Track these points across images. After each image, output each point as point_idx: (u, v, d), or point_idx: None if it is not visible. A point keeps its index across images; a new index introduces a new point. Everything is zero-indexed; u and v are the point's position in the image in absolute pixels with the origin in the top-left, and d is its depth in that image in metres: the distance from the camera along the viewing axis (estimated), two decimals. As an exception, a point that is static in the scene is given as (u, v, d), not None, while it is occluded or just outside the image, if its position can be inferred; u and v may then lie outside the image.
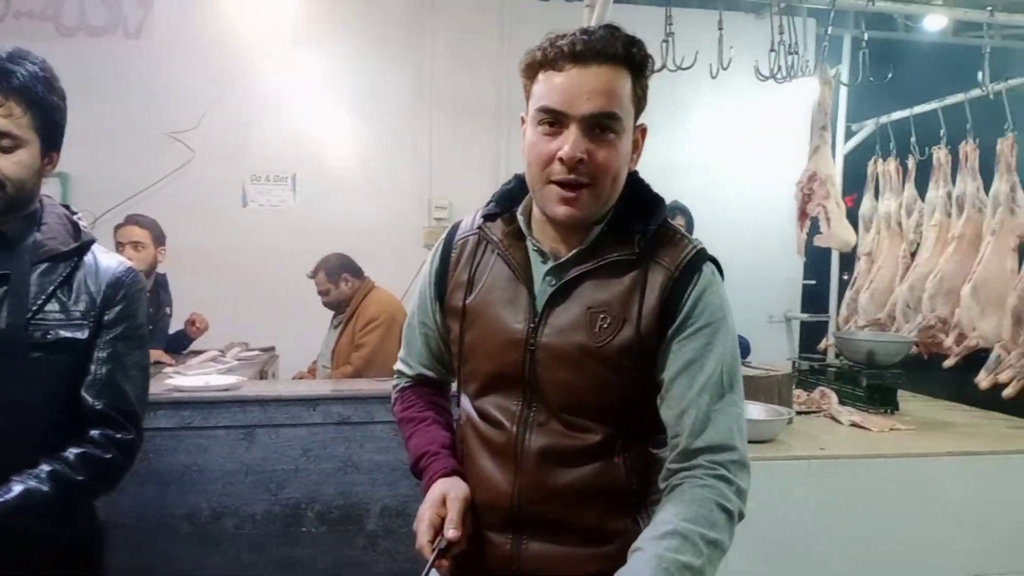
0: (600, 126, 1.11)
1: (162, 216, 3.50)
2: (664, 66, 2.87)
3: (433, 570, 1.13)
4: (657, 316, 1.15)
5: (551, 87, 1.12)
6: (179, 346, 3.58)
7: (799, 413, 2.91)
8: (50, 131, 1.40)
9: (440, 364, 1.39)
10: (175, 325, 3.62)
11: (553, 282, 1.19)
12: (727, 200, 4.64)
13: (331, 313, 3.78)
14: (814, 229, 3.48)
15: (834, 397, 3.04)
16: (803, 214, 3.40)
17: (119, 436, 1.36)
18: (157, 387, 2.68)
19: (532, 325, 1.19)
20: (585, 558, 1.19)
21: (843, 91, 4.05)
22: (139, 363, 1.43)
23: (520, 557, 1.21)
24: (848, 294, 3.81)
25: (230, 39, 4.35)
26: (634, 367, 1.16)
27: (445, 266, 1.31)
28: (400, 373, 1.44)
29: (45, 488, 1.27)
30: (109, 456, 1.34)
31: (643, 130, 1.21)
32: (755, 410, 2.66)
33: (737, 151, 4.72)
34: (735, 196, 4.68)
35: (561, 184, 1.13)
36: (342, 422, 2.61)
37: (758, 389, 2.78)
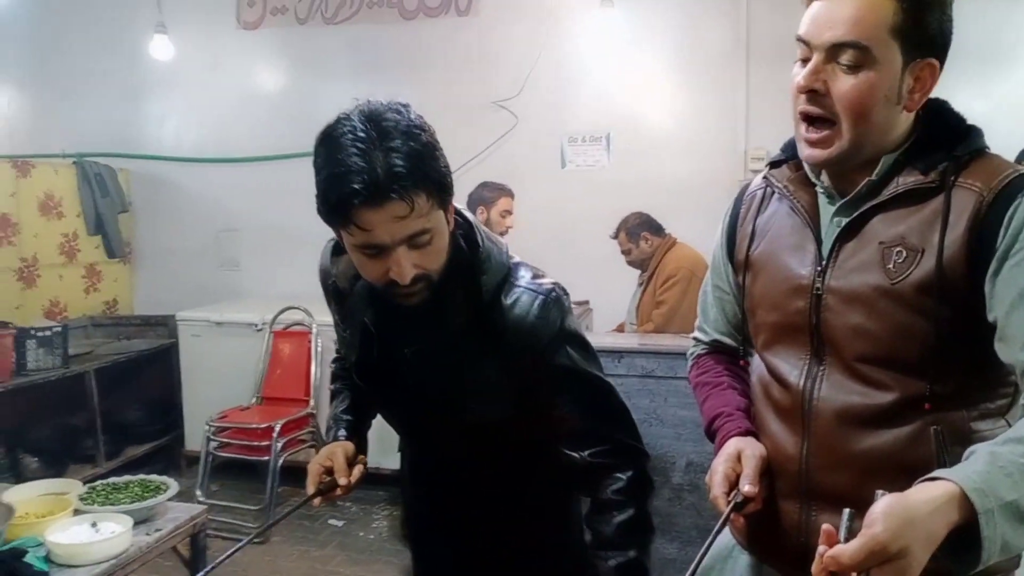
0: (842, 56, 1.03)
1: (490, 178, 3.80)
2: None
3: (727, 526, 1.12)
4: (965, 246, 1.00)
5: (806, 16, 1.07)
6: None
7: None
8: (445, 191, 1.18)
9: (736, 330, 1.34)
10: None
11: (841, 221, 1.11)
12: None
13: (642, 270, 3.84)
14: None
15: None
16: None
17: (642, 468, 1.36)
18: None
19: (819, 268, 1.11)
20: None
21: None
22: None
23: (809, 528, 1.12)
24: None
25: (546, 6, 4.54)
26: (936, 307, 1.01)
27: (734, 223, 1.29)
28: (696, 340, 1.43)
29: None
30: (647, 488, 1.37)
31: (928, 68, 1.05)
32: None
33: None
34: None
35: (804, 118, 1.08)
36: (646, 375, 2.65)
37: None
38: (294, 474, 3.85)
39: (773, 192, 1.22)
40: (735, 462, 1.14)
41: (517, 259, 1.35)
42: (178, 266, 5.34)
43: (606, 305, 4.22)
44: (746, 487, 1.10)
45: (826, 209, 1.14)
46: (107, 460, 4.26)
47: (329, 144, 1.12)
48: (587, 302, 4.18)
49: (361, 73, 4.92)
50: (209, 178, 5.26)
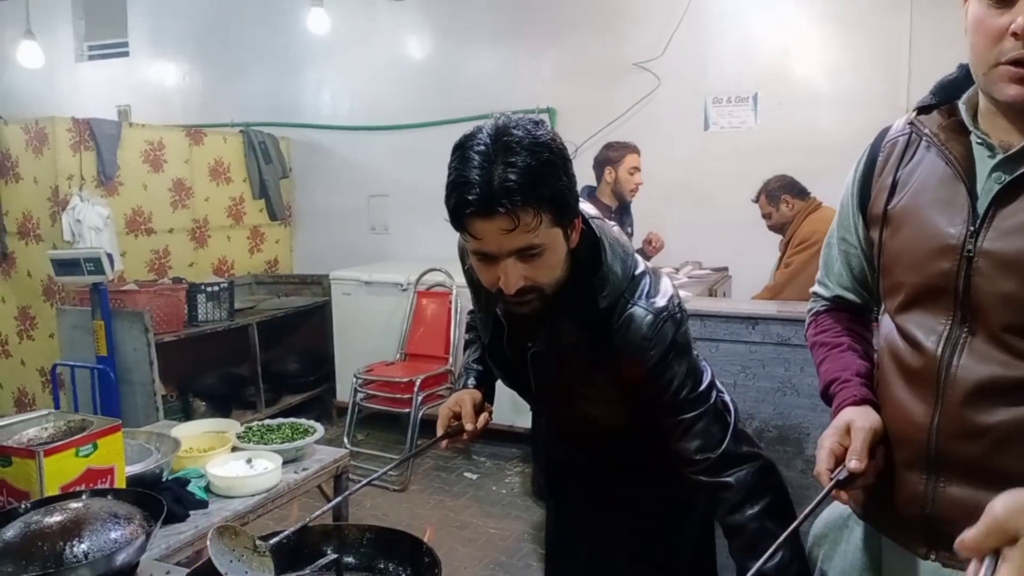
0: None
1: (631, 141, 3.76)
2: None
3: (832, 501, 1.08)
4: None
5: None
6: (640, 262, 3.85)
7: None
8: (562, 210, 1.19)
9: (862, 287, 1.26)
10: (636, 243, 3.90)
11: (1002, 178, 0.99)
12: None
13: (788, 235, 3.69)
14: None
15: None
16: None
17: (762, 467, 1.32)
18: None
19: (972, 229, 1.01)
20: None
21: None
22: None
23: (935, 499, 1.06)
24: None
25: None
26: None
27: (869, 173, 1.18)
28: (816, 296, 1.35)
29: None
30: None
31: None
32: None
33: None
34: None
35: (1016, 63, 0.94)
36: (782, 343, 2.56)
37: None
38: (433, 426, 4.00)
39: (920, 140, 1.11)
40: (843, 435, 1.08)
41: (642, 269, 1.35)
42: (333, 228, 5.66)
43: (747, 271, 4.09)
44: (852, 463, 1.04)
45: (983, 163, 1.03)
46: (266, 407, 4.62)
47: (458, 153, 1.17)
48: (726, 268, 4.06)
49: (503, 38, 4.97)
50: (362, 145, 5.51)
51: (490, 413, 1.53)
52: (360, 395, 4.13)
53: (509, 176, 1.12)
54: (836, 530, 1.25)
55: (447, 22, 5.17)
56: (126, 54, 6.48)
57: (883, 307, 1.19)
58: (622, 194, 3.58)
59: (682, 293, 2.85)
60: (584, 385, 1.37)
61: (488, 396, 1.58)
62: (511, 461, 4.17)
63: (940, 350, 1.05)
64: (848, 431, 1.08)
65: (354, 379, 4.16)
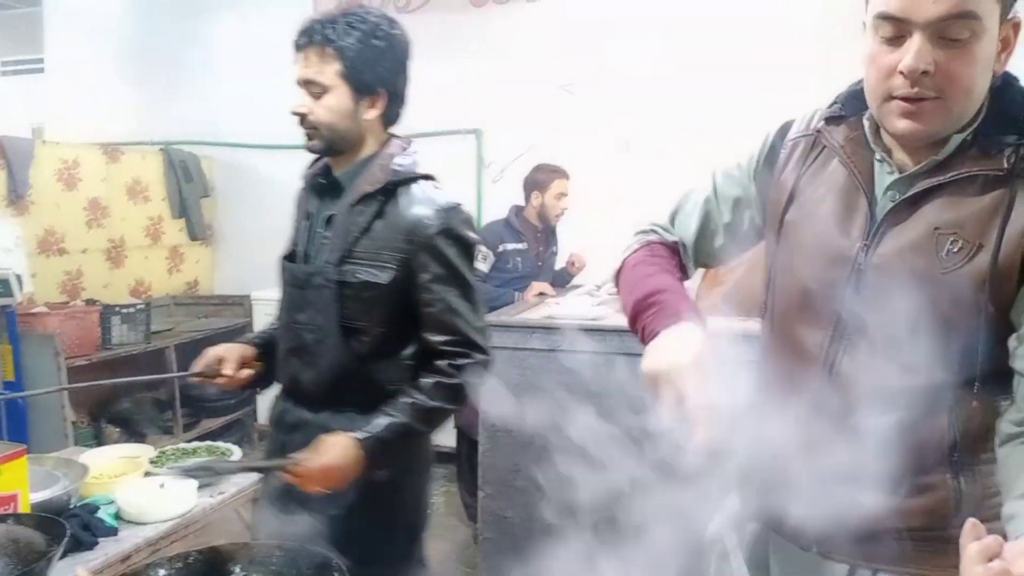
0: (951, 30, 0.94)
1: (554, 163, 3.84)
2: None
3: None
4: (1023, 245, 0.96)
5: None
6: (563, 281, 3.92)
7: None
8: (360, 77, 1.53)
9: (697, 251, 1.27)
10: (560, 264, 3.97)
11: (895, 196, 1.05)
12: None
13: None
14: None
15: None
16: None
17: (462, 362, 1.55)
18: (535, 313, 3.01)
19: (865, 242, 1.05)
20: (891, 509, 1.07)
21: None
22: (462, 297, 1.56)
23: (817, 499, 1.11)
24: None
25: None
26: (982, 304, 0.98)
27: (771, 165, 1.20)
28: (654, 230, 1.30)
29: (405, 419, 1.51)
30: (456, 381, 1.54)
31: (1016, 25, 1.00)
32: None
33: None
34: None
35: (905, 99, 0.98)
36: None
37: None
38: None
39: (824, 148, 1.14)
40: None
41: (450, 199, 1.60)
42: (256, 248, 5.53)
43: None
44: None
45: (882, 179, 1.07)
46: (184, 431, 4.50)
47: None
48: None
49: (432, 61, 4.99)
50: (286, 163, 5.43)
51: (255, 372, 1.70)
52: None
53: (329, 27, 1.51)
54: (731, 530, 1.28)
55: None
56: (41, 70, 6.27)
57: (766, 313, 1.22)
58: (547, 218, 3.65)
59: (602, 310, 2.94)
60: (366, 240, 1.55)
61: (261, 358, 1.73)
62: (437, 482, 4.15)
63: (823, 357, 1.10)
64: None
65: (277, 401, 4.08)
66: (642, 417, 2.60)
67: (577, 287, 3.77)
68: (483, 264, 3.53)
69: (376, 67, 1.55)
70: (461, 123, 4.86)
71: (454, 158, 4.87)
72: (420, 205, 1.55)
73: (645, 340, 1.09)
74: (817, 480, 1.11)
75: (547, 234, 3.83)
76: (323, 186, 1.66)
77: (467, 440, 3.41)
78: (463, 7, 4.89)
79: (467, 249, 1.60)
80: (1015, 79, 1.06)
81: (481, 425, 2.87)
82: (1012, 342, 1.00)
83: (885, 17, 0.97)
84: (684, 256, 1.28)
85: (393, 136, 1.66)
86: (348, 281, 1.54)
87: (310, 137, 1.58)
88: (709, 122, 4.42)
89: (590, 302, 3.29)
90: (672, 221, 1.31)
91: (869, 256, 1.05)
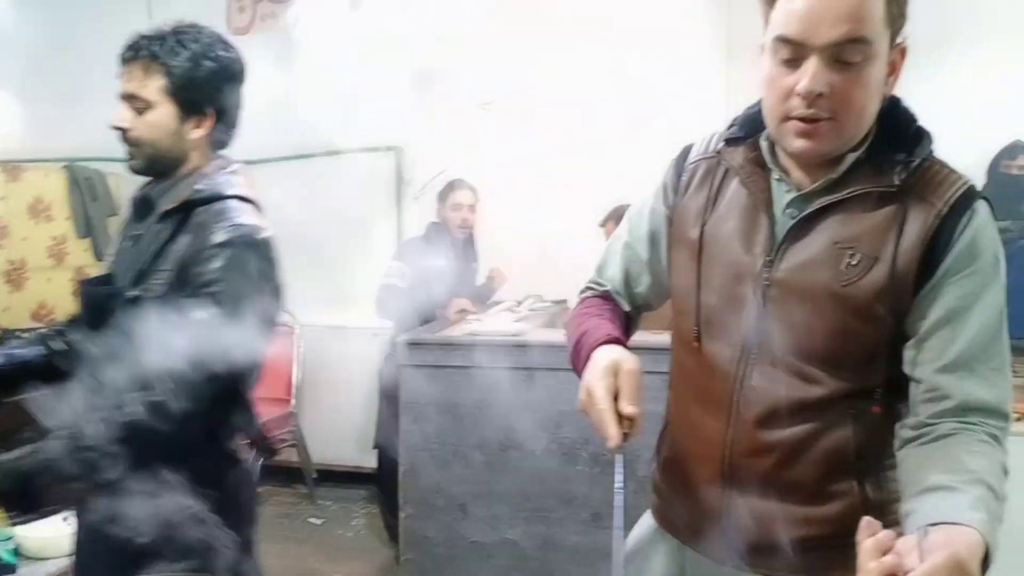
0: (845, 54, 0.99)
1: (474, 180, 3.85)
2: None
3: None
4: (917, 257, 1.01)
5: (789, 13, 1.01)
6: (483, 297, 3.92)
7: None
8: (186, 96, 1.49)
9: (629, 295, 1.31)
10: (481, 278, 3.98)
11: (795, 214, 1.09)
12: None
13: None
14: None
15: None
16: None
17: (151, 399, 1.28)
18: (456, 331, 3.00)
19: (768, 259, 1.09)
20: (802, 518, 1.11)
21: None
22: (204, 324, 1.31)
23: (731, 511, 1.15)
24: None
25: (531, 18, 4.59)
26: (881, 314, 1.03)
27: (675, 191, 1.23)
28: (590, 287, 1.37)
29: (54, 445, 1.25)
30: (132, 418, 1.27)
31: (902, 51, 1.06)
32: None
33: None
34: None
35: (802, 119, 1.03)
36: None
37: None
38: (274, 473, 3.89)
39: (725, 169, 1.18)
40: (612, 376, 1.05)
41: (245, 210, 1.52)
42: (166, 269, 5.36)
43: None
44: (628, 408, 1.02)
45: (781, 198, 1.11)
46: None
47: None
48: (565, 301, 4.20)
49: (346, 75, 4.95)
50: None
51: None
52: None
53: (157, 43, 1.48)
54: (646, 545, 1.30)
55: (289, 57, 5.09)
56: (-68, 83, 5.94)
57: (678, 327, 1.24)
58: (449, 231, 3.66)
59: (523, 326, 2.95)
60: (162, 256, 1.45)
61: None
62: (358, 503, 4.08)
63: (734, 372, 1.13)
64: (616, 372, 1.05)
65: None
66: (566, 431, 2.67)
67: (498, 303, 3.77)
68: (401, 281, 3.51)
69: (205, 87, 1.52)
70: (379, 140, 4.82)
71: (373, 175, 4.85)
72: (212, 223, 1.45)
73: (582, 359, 1.13)
74: (729, 493, 1.15)
75: (467, 249, 3.83)
76: (138, 205, 1.58)
77: (388, 459, 3.36)
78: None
79: (239, 270, 1.42)
80: (900, 100, 1.12)
81: (401, 444, 2.83)
82: (908, 350, 1.05)
83: (784, 40, 1.02)
84: (620, 303, 1.32)
85: (220, 158, 1.61)
86: (139, 299, 1.42)
87: (131, 155, 1.53)
88: (624, 141, 4.53)
89: (511, 317, 3.31)
90: (600, 273, 1.35)
91: (772, 272, 1.09)
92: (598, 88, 4.56)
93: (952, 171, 1.07)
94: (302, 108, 5.01)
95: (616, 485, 1.03)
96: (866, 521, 0.79)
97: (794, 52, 1.01)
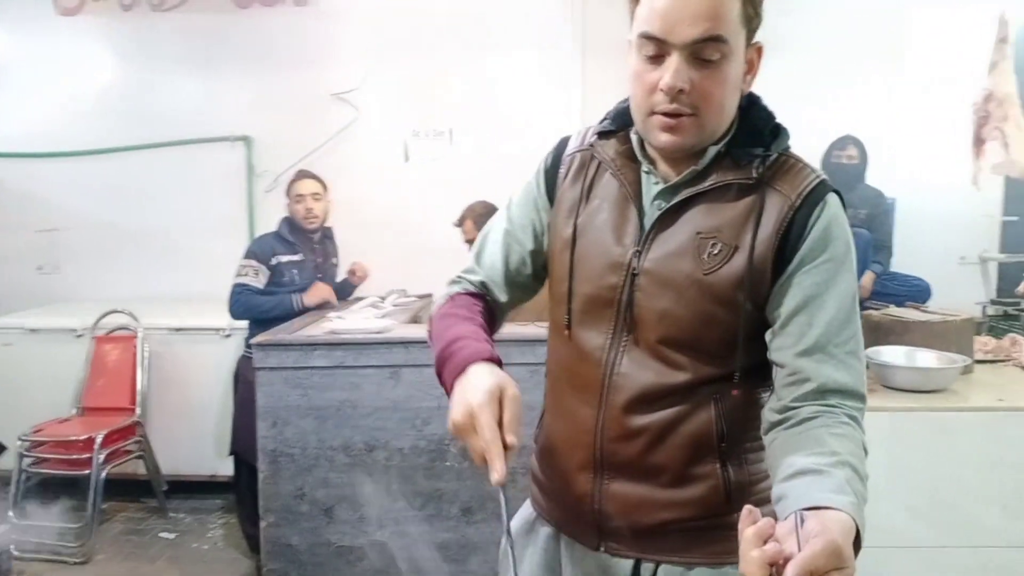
0: (704, 51, 1.02)
1: (331, 172, 3.71)
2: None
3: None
4: (774, 246, 1.06)
5: (652, 11, 1.03)
6: (345, 293, 3.80)
7: (982, 362, 2.63)
8: None
9: (508, 283, 1.27)
10: (341, 273, 3.85)
11: (662, 205, 1.12)
12: (904, 131, 4.21)
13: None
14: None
15: (1025, 344, 2.72)
16: (978, 140, 3.02)
17: None
18: (316, 329, 2.88)
19: (637, 249, 1.12)
20: (667, 501, 1.14)
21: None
22: None
23: (601, 496, 1.17)
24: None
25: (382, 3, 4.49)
26: (742, 301, 1.07)
27: (553, 180, 1.24)
28: (460, 278, 1.30)
29: None
30: None
31: (758, 49, 1.11)
32: (924, 357, 2.45)
33: (910, 75, 4.23)
34: (914, 126, 4.22)
35: (664, 114, 1.06)
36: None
37: (931, 335, 2.54)
38: (120, 487, 3.62)
39: (599, 163, 1.19)
40: (497, 403, 0.98)
41: None
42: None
43: (451, 297, 4.18)
44: (510, 437, 0.96)
45: (650, 189, 1.15)
46: None
47: None
48: (430, 295, 4.15)
49: (194, 65, 4.67)
50: (34, 175, 4.82)
51: None
52: (27, 460, 3.57)
53: None
54: (524, 534, 1.30)
55: (129, 45, 4.72)
56: None
57: (552, 316, 1.25)
58: (296, 223, 3.53)
59: (387, 322, 2.88)
60: None
61: None
62: (214, 514, 3.86)
63: (604, 359, 1.15)
64: (500, 398, 0.99)
65: (19, 442, 3.59)
66: (433, 427, 2.62)
67: (361, 299, 3.66)
68: (255, 279, 3.34)
69: None
70: (230, 130, 4.58)
71: (223, 167, 4.59)
72: None
73: (448, 392, 1.06)
74: (600, 479, 1.17)
75: (324, 243, 3.69)
76: None
77: (245, 466, 3.20)
78: (226, 8, 4.60)
79: None
80: (758, 98, 1.16)
81: (260, 450, 2.69)
82: (768, 336, 1.09)
83: (648, 37, 1.04)
84: (495, 294, 1.28)
85: None
86: None
87: None
88: (483, 131, 4.54)
89: (375, 314, 3.22)
90: (478, 260, 1.30)
91: (641, 262, 1.12)
92: (455, 83, 4.56)
93: (806, 165, 1.12)
94: (144, 96, 4.70)
95: (505, 526, 1.01)
96: (747, 510, 0.79)
97: (657, 49, 1.04)
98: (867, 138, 3.98)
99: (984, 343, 2.80)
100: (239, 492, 3.35)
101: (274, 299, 3.34)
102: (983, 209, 4.19)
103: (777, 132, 1.13)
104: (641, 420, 1.12)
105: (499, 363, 1.06)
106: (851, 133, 4.04)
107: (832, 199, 1.08)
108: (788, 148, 1.13)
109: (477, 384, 1.01)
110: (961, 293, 4.06)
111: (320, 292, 3.46)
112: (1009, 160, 2.96)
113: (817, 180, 1.08)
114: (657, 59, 1.04)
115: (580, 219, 1.18)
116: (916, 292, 3.48)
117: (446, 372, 1.08)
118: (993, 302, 3.44)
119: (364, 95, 4.53)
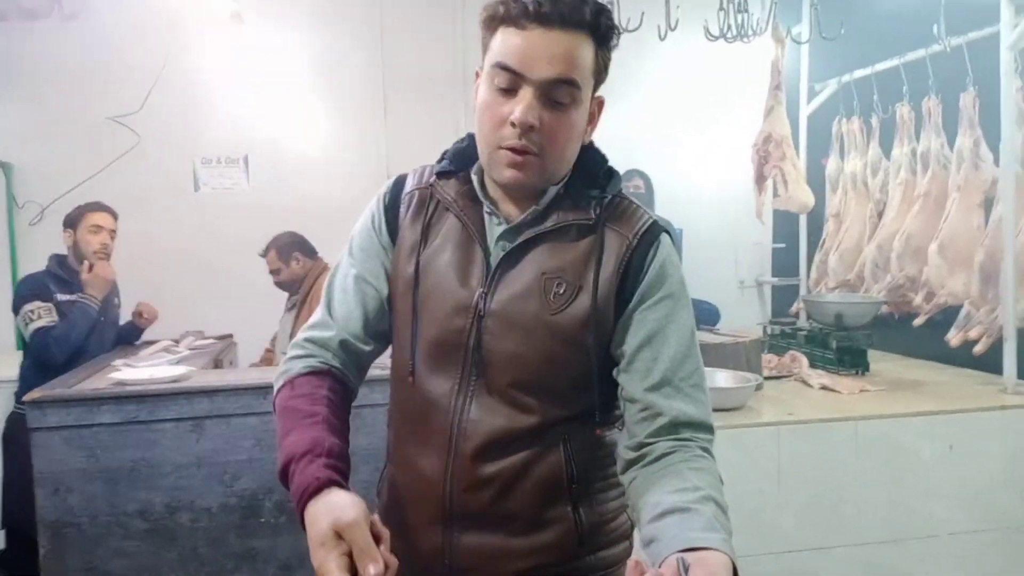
0: (557, 93, 1.03)
1: (110, 203, 3.36)
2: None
3: None
4: (615, 284, 1.08)
5: (510, 46, 1.03)
6: (131, 337, 3.45)
7: (769, 379, 2.87)
8: None
9: (369, 333, 1.18)
10: (125, 316, 3.49)
11: (506, 245, 1.11)
12: (688, 166, 4.58)
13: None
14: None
15: (805, 361, 3.01)
16: (760, 177, 3.34)
17: None
18: (101, 381, 2.58)
19: (484, 290, 1.10)
20: (521, 549, 1.12)
21: (805, 50, 3.92)
22: None
23: (452, 550, 1.13)
24: (818, 256, 3.74)
25: (171, 18, 4.18)
26: (588, 341, 1.08)
27: (395, 220, 1.18)
28: (304, 348, 1.17)
29: None
30: None
31: (600, 103, 1.14)
32: (722, 377, 2.62)
33: (695, 115, 4.61)
34: (696, 162, 4.60)
35: (511, 150, 1.05)
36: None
37: (726, 356, 2.73)
38: None
39: (438, 202, 1.17)
40: (339, 543, 0.88)
41: None
42: None
43: (253, 337, 3.94)
44: (371, 569, 0.86)
45: (492, 229, 1.14)
46: None
47: None
48: (231, 335, 3.87)
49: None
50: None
51: None
52: None
53: None
54: None
55: None
56: None
57: (396, 362, 1.20)
58: (85, 257, 3.18)
59: (184, 369, 2.63)
60: None
61: None
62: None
63: (452, 405, 1.11)
64: (340, 535, 0.88)
65: None
66: (244, 482, 2.42)
67: (151, 343, 3.34)
68: (50, 317, 3.01)
69: None
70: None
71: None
72: None
73: (296, 509, 0.96)
74: (450, 532, 1.13)
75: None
76: None
77: (19, 541, 2.79)
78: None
79: None
80: (593, 143, 1.19)
81: (39, 522, 2.35)
82: (615, 373, 1.10)
83: (503, 68, 1.03)
84: (355, 347, 1.18)
85: None
86: None
87: None
88: (281, 160, 4.35)
89: (169, 359, 2.94)
90: (330, 313, 1.19)
91: (488, 303, 1.10)
92: (253, 105, 4.33)
93: (639, 207, 1.16)
94: None
95: None
96: (633, 562, 0.79)
97: (511, 82, 1.03)
98: (655, 174, 4.24)
99: (769, 360, 3.06)
100: (13, 570, 2.92)
101: (70, 319, 3.00)
102: (755, 237, 4.62)
103: (611, 175, 1.16)
104: (492, 467, 1.10)
105: (343, 477, 0.96)
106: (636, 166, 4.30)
107: (665, 238, 1.12)
108: (621, 190, 1.16)
109: (315, 531, 0.90)
110: (743, 314, 4.46)
111: (102, 272, 3.13)
112: (787, 196, 3.29)
113: (650, 221, 1.13)
114: (509, 92, 1.04)
115: (421, 260, 1.14)
116: (707, 315, 3.75)
117: (289, 489, 0.98)
118: (772, 322, 3.79)
119: (145, 119, 4.18)
